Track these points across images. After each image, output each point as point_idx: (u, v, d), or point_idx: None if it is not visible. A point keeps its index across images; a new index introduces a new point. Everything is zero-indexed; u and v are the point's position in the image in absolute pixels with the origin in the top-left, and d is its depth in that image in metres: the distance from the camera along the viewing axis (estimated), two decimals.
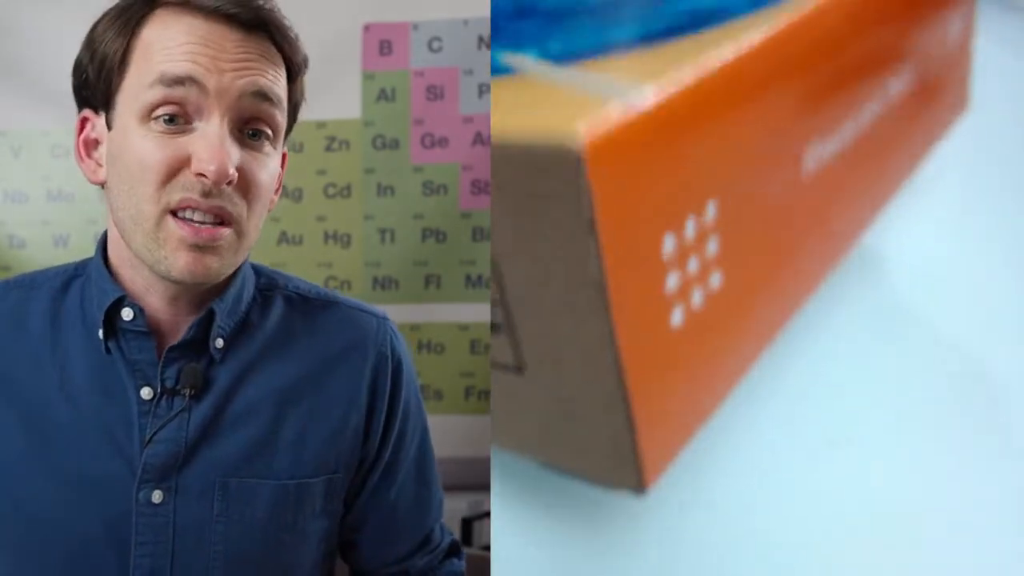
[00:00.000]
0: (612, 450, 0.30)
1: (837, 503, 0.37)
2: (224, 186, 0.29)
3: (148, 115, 0.29)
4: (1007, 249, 0.51)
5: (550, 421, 0.31)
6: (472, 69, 0.70)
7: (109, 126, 0.30)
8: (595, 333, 0.27)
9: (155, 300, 0.31)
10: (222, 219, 0.30)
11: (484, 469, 0.67)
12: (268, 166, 0.31)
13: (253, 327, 0.33)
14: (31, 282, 0.33)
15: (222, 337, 0.32)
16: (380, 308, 0.36)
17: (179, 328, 0.32)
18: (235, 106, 0.29)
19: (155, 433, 0.31)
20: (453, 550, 0.38)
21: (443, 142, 0.71)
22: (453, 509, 0.65)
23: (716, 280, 0.30)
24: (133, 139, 0.29)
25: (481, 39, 0.70)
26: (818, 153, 0.35)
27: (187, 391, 0.31)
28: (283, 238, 0.72)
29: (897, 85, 0.40)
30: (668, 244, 0.28)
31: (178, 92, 0.29)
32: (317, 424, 0.33)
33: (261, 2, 0.30)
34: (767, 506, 0.37)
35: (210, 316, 0.32)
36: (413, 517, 0.37)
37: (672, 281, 0.28)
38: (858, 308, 0.48)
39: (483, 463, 0.68)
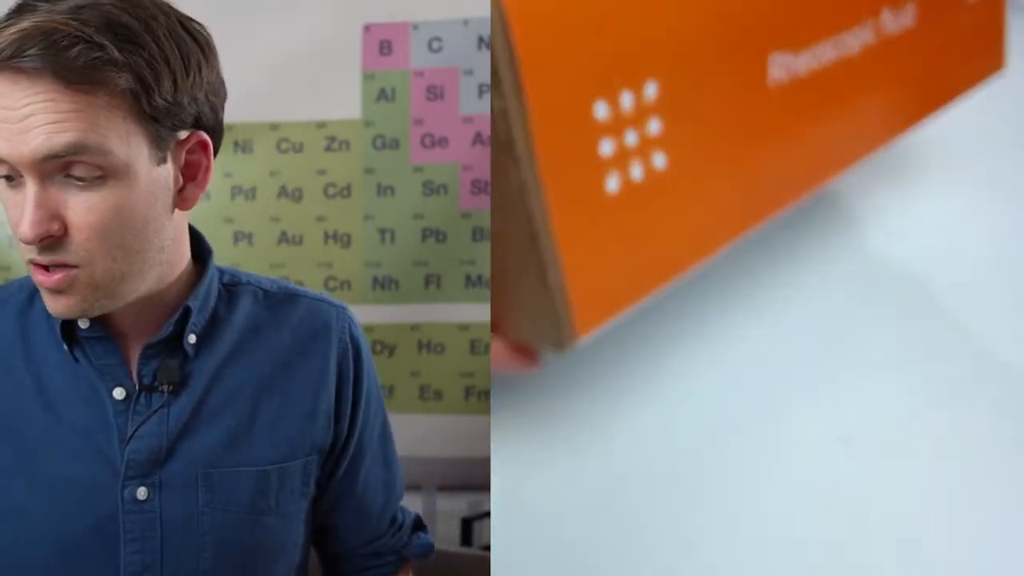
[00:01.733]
0: (546, 308, 0.31)
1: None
2: (52, 240, 0.28)
3: None
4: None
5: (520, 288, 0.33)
6: (472, 69, 0.70)
7: None
8: (531, 194, 0.29)
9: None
10: (66, 264, 0.29)
11: (484, 469, 0.67)
12: (102, 205, 0.29)
13: (222, 322, 0.34)
14: None
15: (195, 333, 0.33)
16: (338, 299, 0.37)
17: (149, 326, 0.32)
18: (39, 168, 0.28)
19: (136, 430, 0.31)
20: (418, 525, 0.40)
21: (443, 142, 0.70)
22: (453, 509, 0.65)
23: (660, 160, 0.32)
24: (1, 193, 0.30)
25: (481, 39, 0.70)
26: (787, 64, 0.35)
27: (165, 387, 0.32)
28: (283, 238, 0.72)
29: (896, 20, 0.40)
30: (600, 110, 0.29)
31: None
32: (291, 410, 0.34)
33: (61, 34, 0.27)
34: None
35: (186, 313, 0.32)
36: (382, 498, 0.38)
37: (607, 147, 0.30)
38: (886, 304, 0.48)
39: (483, 463, 0.68)
